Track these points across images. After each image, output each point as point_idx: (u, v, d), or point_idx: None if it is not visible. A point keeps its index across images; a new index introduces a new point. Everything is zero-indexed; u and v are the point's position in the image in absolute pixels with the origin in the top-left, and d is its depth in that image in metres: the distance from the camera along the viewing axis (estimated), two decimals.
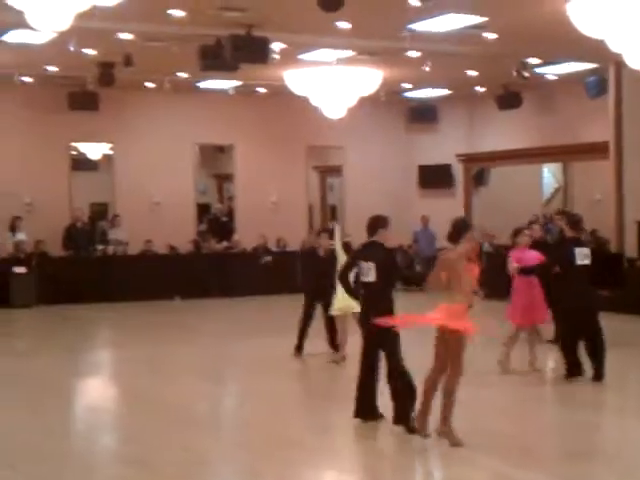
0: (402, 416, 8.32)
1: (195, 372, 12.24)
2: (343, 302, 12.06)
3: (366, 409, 8.69)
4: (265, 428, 8.82)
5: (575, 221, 11.04)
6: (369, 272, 8.44)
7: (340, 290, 12.24)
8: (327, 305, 12.40)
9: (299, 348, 12.80)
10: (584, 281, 10.66)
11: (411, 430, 8.18)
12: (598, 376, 10.55)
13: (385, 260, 8.50)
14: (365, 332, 8.57)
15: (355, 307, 11.79)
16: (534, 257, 11.19)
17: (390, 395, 8.45)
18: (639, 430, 8.68)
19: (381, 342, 8.42)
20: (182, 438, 8.43)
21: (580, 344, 10.71)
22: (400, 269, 8.75)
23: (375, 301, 8.45)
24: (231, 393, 11.39)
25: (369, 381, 8.64)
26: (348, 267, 9.01)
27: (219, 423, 9.54)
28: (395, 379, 8.38)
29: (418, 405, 8.17)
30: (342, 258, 12.02)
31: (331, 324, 12.62)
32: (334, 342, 12.63)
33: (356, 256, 8.85)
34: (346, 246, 13.07)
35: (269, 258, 13.85)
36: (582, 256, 10.64)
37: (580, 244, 10.83)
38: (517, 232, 11.63)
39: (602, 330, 10.72)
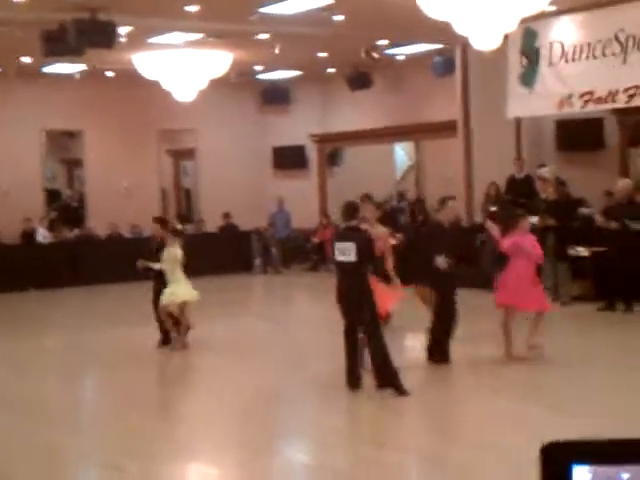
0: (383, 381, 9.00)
1: (50, 367, 11.95)
2: (173, 293, 11.92)
3: (353, 379, 9.22)
4: (124, 421, 8.69)
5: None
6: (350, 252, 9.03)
7: (172, 281, 11.99)
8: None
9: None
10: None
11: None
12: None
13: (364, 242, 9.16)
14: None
15: (180, 297, 11.68)
16: None
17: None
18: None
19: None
20: (40, 435, 8.24)
21: None
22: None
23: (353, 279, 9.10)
24: (88, 387, 11.18)
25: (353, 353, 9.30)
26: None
27: (78, 418, 9.35)
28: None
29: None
30: None
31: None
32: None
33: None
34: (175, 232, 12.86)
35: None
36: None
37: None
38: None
39: None
